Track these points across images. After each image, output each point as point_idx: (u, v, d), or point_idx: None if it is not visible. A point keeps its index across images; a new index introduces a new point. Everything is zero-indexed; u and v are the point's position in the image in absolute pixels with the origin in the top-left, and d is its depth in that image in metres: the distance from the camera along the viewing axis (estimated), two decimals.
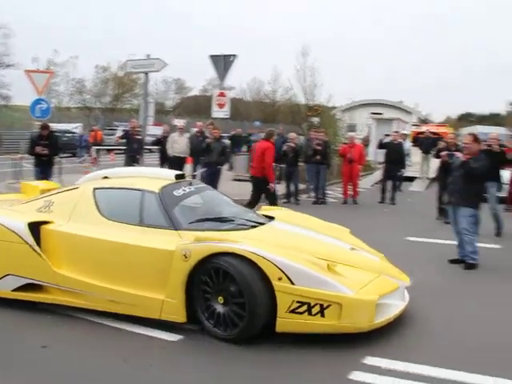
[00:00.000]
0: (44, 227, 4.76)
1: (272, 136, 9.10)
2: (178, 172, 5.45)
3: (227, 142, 15.64)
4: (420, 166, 18.05)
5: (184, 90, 55.93)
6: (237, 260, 4.03)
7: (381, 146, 13.12)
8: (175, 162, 11.31)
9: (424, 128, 21.81)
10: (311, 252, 4.42)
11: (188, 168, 12.09)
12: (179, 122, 17.45)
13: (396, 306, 4.37)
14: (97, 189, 5.03)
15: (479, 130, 25.33)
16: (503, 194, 9.88)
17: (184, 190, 5.04)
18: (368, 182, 16.65)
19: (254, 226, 4.91)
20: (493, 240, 8.12)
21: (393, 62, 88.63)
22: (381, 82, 77.22)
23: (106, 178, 5.46)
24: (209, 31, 76.84)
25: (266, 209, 6.04)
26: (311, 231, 5.12)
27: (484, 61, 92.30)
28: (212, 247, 4.14)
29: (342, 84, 58.45)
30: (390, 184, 12.53)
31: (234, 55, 12.29)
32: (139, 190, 4.87)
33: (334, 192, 14.04)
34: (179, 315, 4.23)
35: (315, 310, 3.94)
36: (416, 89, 77.63)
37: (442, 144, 10.09)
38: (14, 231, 4.69)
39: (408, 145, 16.84)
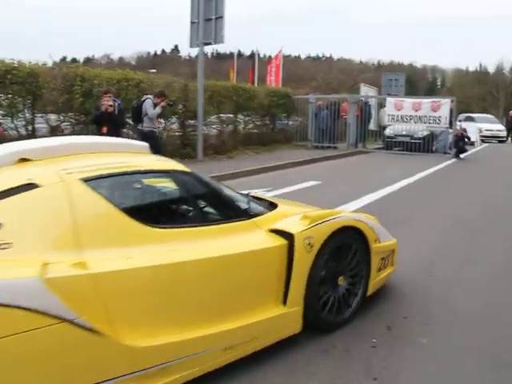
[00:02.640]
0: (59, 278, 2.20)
1: None
2: (142, 143, 3.43)
3: None
4: None
5: None
6: (350, 232, 3.53)
7: None
8: None
9: None
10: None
11: None
12: None
13: None
14: (89, 180, 2.61)
15: None
16: None
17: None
18: None
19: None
20: None
21: None
22: None
23: (25, 160, 2.77)
24: None
25: None
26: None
27: None
28: (335, 224, 3.37)
29: None
30: None
31: None
32: (166, 172, 2.97)
33: None
34: (296, 324, 3.21)
35: (388, 261, 4.06)
36: None
37: None
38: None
39: None
